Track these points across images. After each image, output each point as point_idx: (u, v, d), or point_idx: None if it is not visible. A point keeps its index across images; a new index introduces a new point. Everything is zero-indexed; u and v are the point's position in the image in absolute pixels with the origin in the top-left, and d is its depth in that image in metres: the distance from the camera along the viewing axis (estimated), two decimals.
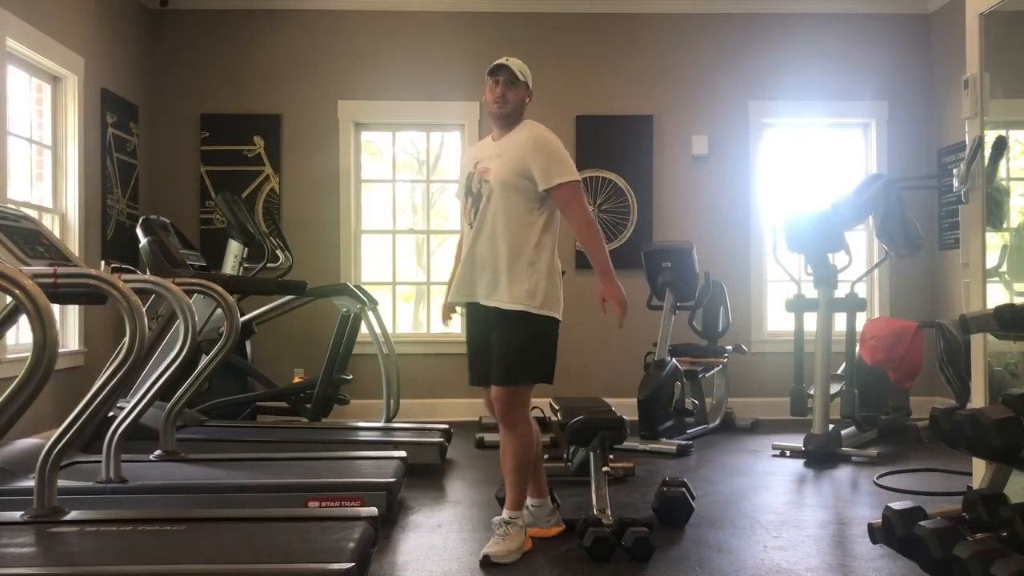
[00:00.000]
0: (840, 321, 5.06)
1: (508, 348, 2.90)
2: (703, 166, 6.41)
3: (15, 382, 2.31)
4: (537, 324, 2.92)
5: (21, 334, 4.65)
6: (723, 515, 3.48)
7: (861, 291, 5.15)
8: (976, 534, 2.19)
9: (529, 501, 3.10)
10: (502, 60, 3.02)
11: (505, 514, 2.93)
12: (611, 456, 3.59)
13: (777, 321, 6.34)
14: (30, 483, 2.84)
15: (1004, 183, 3.36)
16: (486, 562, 2.79)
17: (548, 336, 2.97)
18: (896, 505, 2.44)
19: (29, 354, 2.29)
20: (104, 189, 5.49)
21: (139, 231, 4.42)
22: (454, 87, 6.14)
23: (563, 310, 3.06)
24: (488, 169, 2.95)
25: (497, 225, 2.92)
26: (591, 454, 3.45)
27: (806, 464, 4.60)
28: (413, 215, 6.71)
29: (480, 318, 3.00)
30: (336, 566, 2.21)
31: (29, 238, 2.93)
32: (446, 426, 4.82)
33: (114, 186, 5.62)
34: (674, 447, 4.83)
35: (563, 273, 5.62)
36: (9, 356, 4.37)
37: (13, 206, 3.96)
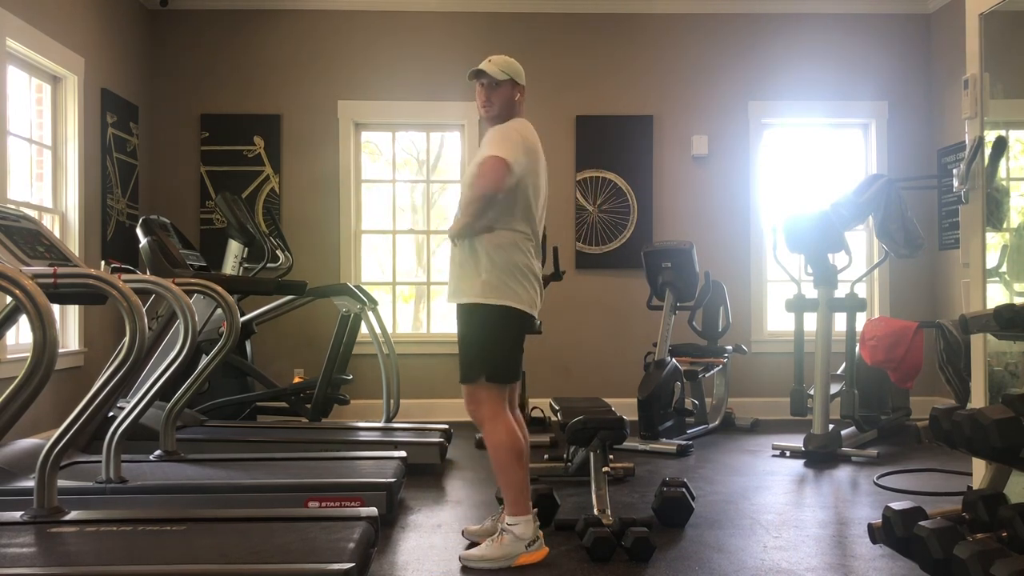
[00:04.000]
0: (840, 321, 5.06)
1: (462, 346, 2.88)
2: (703, 166, 6.41)
3: (15, 382, 2.31)
4: (478, 316, 2.83)
5: (21, 334, 4.65)
6: (723, 515, 3.48)
7: (861, 291, 5.15)
8: (976, 534, 2.19)
9: (509, 519, 2.84)
10: (482, 64, 2.94)
11: (504, 519, 2.87)
12: (611, 456, 3.59)
13: (777, 321, 6.34)
14: (30, 483, 2.84)
15: (1004, 183, 3.35)
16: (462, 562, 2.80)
17: (498, 325, 2.83)
18: (896, 505, 2.44)
19: (29, 354, 2.29)
20: (104, 189, 5.49)
21: (139, 231, 4.42)
22: (454, 87, 6.13)
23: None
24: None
25: None
26: (591, 454, 3.45)
27: (806, 464, 4.60)
28: (413, 215, 6.71)
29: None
30: (336, 566, 2.21)
31: (29, 238, 2.93)
32: (446, 426, 4.82)
33: (114, 186, 5.63)
34: (674, 447, 4.83)
35: (564, 273, 5.61)
36: (9, 356, 4.37)
37: (13, 206, 3.96)
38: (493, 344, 2.85)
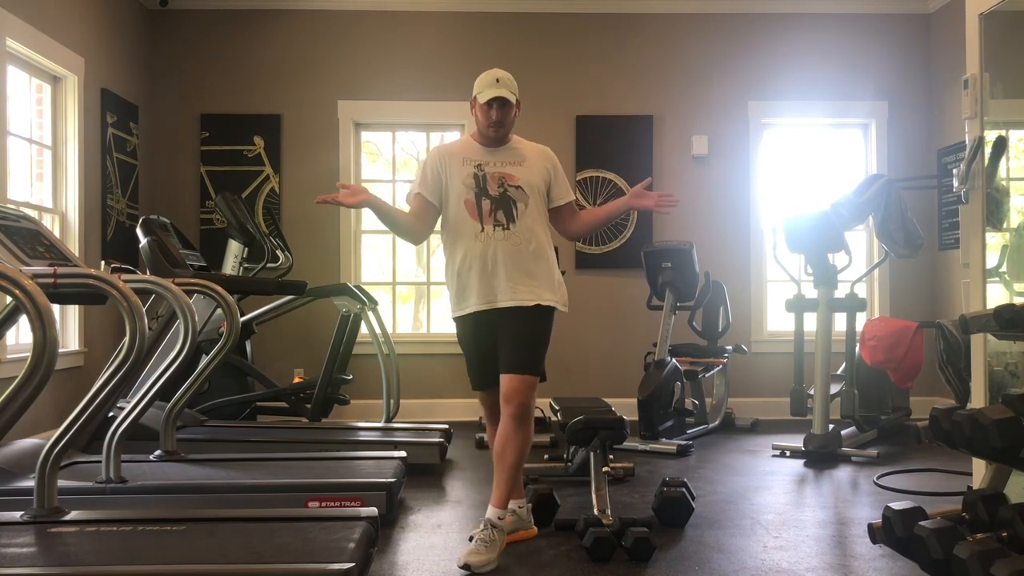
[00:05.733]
0: (840, 321, 5.06)
1: (532, 339, 2.93)
2: (703, 166, 6.41)
3: (15, 382, 2.31)
4: (551, 319, 3.01)
5: (21, 334, 4.65)
6: (723, 515, 3.48)
7: (861, 291, 5.15)
8: (976, 534, 2.19)
9: (514, 504, 3.04)
10: (497, 89, 2.94)
11: (493, 513, 2.86)
12: (611, 456, 3.59)
13: (777, 321, 6.34)
14: (30, 483, 2.84)
15: (1004, 183, 3.35)
16: (466, 569, 2.71)
17: (550, 330, 3.04)
18: (896, 505, 2.44)
19: (29, 354, 2.29)
20: (104, 189, 5.49)
21: (139, 231, 4.42)
22: (454, 87, 6.13)
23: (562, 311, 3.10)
24: (510, 175, 2.97)
25: (535, 230, 2.97)
26: (591, 454, 3.45)
27: (806, 464, 4.60)
28: None
29: (487, 320, 2.97)
30: (336, 566, 2.21)
31: (29, 238, 2.93)
32: (446, 426, 4.82)
33: (114, 186, 5.63)
34: (674, 447, 4.83)
35: (564, 273, 5.65)
36: (9, 356, 4.37)
37: (13, 206, 3.96)
38: (548, 346, 3.03)
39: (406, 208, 3.16)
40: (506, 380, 2.91)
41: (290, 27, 6.33)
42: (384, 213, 3.04)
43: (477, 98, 2.98)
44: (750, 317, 6.35)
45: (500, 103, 2.95)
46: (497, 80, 2.96)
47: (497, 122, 2.97)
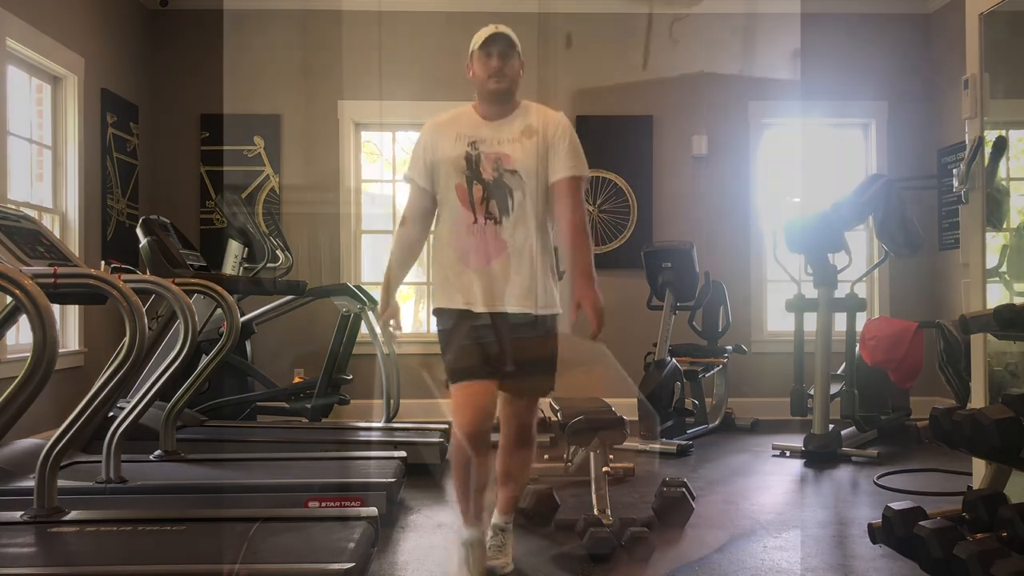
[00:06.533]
0: (840, 321, 5.06)
1: (540, 359, 2.68)
2: (703, 166, 6.41)
3: (15, 382, 2.31)
4: (556, 328, 2.73)
5: (21, 334, 4.65)
6: (723, 515, 3.48)
7: (861, 291, 5.14)
8: (976, 534, 2.19)
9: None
10: (495, 29, 2.61)
11: (500, 519, 2.83)
12: (611, 456, 3.59)
13: (777, 321, 6.34)
14: (30, 483, 2.84)
15: (1004, 183, 3.36)
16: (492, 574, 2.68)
17: (556, 341, 2.76)
18: (896, 505, 2.44)
19: (29, 354, 2.29)
20: (104, 189, 5.49)
21: (139, 231, 4.42)
22: (454, 87, 6.11)
23: (562, 311, 2.89)
24: (506, 156, 2.57)
25: (532, 225, 2.59)
26: (591, 454, 3.45)
27: (806, 464, 4.60)
28: None
29: (482, 321, 2.66)
30: (336, 566, 2.21)
31: (29, 238, 2.93)
32: (446, 426, 4.82)
33: (114, 186, 5.62)
34: (674, 447, 4.83)
35: (563, 273, 5.64)
36: (9, 356, 4.37)
37: (13, 206, 3.96)
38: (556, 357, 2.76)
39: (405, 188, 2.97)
40: (508, 402, 2.72)
41: (290, 27, 6.33)
42: (400, 277, 3.01)
43: (474, 52, 2.63)
44: (750, 317, 6.35)
45: (500, 48, 2.59)
46: (496, 26, 2.66)
47: (498, 70, 2.59)
